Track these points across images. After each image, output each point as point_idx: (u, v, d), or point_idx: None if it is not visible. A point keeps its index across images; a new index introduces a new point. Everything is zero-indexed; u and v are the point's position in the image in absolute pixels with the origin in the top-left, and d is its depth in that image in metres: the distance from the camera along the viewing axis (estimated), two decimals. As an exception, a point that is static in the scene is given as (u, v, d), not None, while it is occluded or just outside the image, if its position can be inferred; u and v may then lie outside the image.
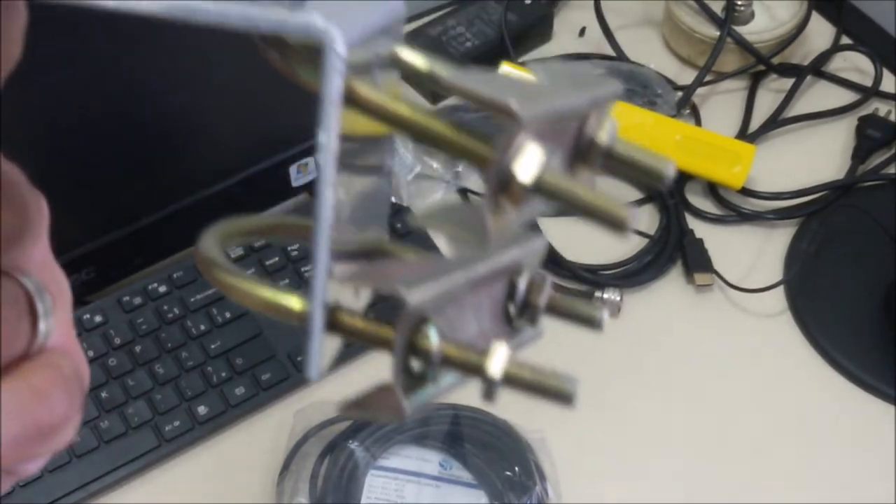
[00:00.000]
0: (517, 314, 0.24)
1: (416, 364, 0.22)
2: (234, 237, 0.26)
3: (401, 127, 0.21)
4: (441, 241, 0.22)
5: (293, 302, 0.22)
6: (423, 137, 0.21)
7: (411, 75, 0.22)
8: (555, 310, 0.25)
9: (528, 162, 0.20)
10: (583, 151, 0.23)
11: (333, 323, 0.22)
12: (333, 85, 0.19)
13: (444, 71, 0.22)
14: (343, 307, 0.22)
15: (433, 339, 0.22)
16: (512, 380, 0.22)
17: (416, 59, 0.22)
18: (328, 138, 0.20)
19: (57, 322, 0.24)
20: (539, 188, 0.21)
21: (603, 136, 0.22)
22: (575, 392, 0.22)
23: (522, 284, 0.24)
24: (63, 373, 0.24)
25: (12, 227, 0.22)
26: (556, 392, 0.22)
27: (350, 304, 0.23)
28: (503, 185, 0.21)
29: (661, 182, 0.22)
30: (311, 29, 0.19)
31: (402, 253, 0.26)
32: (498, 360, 0.22)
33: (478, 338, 0.23)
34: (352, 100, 0.20)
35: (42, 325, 0.24)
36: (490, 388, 0.22)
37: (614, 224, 0.21)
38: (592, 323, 0.25)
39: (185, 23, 0.19)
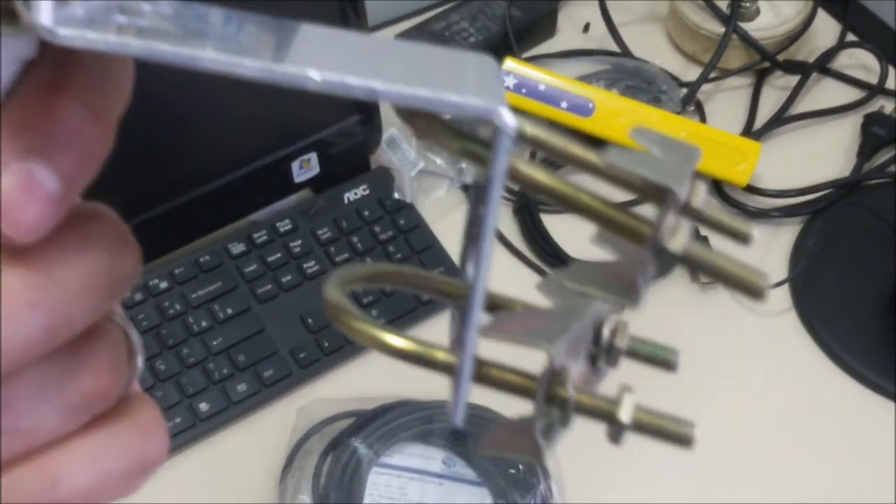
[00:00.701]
0: (599, 356, 0.26)
1: (551, 410, 0.24)
2: (355, 282, 0.26)
3: (556, 199, 0.23)
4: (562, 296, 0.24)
5: (438, 354, 0.23)
6: (577, 210, 0.23)
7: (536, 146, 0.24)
8: (632, 352, 0.27)
9: (681, 236, 0.23)
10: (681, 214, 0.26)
11: (477, 374, 0.24)
12: (502, 165, 0.21)
13: (581, 150, 0.23)
14: (483, 359, 0.24)
15: (570, 389, 0.24)
16: (638, 424, 0.24)
17: (551, 137, 0.24)
18: (493, 211, 0.21)
19: None
20: (686, 258, 0.23)
21: (698, 200, 0.25)
22: (693, 436, 0.24)
23: (607, 329, 0.26)
24: (158, 410, 0.25)
25: (130, 271, 0.23)
26: (676, 436, 0.24)
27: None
28: (656, 254, 0.23)
29: (746, 242, 0.24)
30: (489, 113, 0.20)
31: (501, 303, 0.28)
32: (628, 407, 0.24)
33: (577, 380, 0.25)
34: (512, 175, 0.22)
35: (139, 361, 0.25)
36: (618, 433, 0.24)
37: (751, 291, 0.23)
38: (668, 366, 0.27)
39: (369, 99, 0.21)
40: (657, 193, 0.23)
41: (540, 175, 0.23)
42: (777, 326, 0.88)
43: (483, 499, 0.76)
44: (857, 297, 0.90)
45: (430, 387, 0.78)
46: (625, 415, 0.24)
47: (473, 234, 0.24)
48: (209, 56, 0.20)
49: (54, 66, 0.21)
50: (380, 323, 0.24)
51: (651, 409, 0.24)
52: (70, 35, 0.19)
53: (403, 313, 0.86)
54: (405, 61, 0.21)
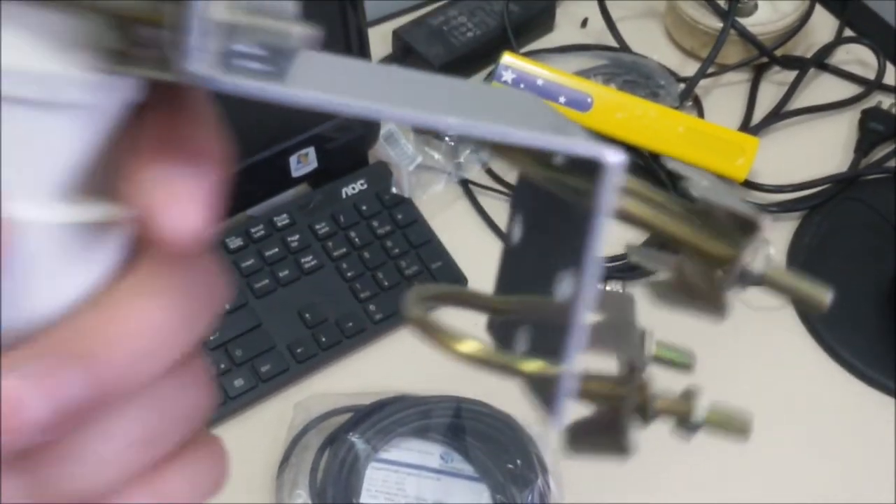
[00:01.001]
0: None
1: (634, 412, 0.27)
2: (428, 301, 0.28)
3: (651, 230, 0.25)
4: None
5: (526, 365, 0.25)
6: (670, 239, 0.26)
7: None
8: (657, 358, 0.29)
9: (762, 260, 0.26)
10: None
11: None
12: (610, 201, 0.23)
13: (661, 197, 0.26)
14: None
15: (652, 394, 0.27)
16: (709, 423, 0.28)
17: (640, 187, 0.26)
18: (598, 244, 0.24)
19: None
20: (764, 280, 0.26)
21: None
22: (751, 430, 0.28)
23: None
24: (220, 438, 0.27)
25: (220, 301, 0.25)
26: (738, 431, 0.28)
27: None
28: (737, 275, 0.26)
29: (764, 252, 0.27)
30: (599, 155, 0.23)
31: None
32: (701, 409, 0.28)
33: None
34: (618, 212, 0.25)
35: None
36: (691, 431, 0.28)
37: (814, 306, 0.27)
38: (687, 368, 0.30)
39: (494, 143, 0.23)
40: (713, 220, 0.26)
41: (638, 210, 0.25)
42: (775, 322, 0.88)
43: (481, 494, 0.76)
44: (855, 292, 0.90)
45: (427, 382, 0.78)
46: (699, 416, 0.28)
47: (547, 251, 0.26)
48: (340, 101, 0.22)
49: (169, 99, 0.23)
50: (461, 333, 0.25)
51: (716, 408, 0.28)
52: (234, 83, 0.21)
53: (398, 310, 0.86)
54: (492, 102, 0.24)
